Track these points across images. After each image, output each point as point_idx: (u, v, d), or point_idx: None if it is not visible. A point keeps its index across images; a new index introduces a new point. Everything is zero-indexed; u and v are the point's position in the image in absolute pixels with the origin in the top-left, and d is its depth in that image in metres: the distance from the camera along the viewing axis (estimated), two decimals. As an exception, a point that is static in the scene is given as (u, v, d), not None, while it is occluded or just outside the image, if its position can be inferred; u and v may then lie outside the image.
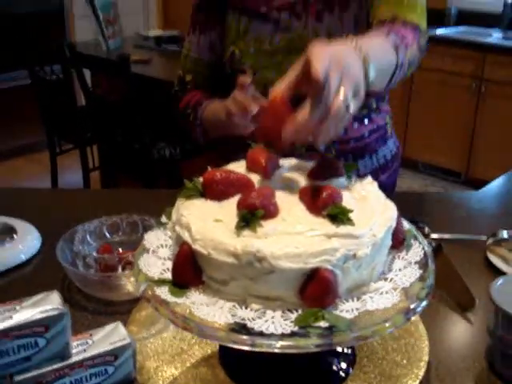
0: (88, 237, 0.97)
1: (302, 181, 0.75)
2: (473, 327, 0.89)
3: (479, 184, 1.94)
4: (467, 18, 4.38)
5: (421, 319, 0.86)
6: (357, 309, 0.63)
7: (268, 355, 0.60)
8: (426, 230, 1.10)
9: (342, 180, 0.75)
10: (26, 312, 0.63)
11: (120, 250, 0.98)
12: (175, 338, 0.82)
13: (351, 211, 0.66)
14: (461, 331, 0.89)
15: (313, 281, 0.62)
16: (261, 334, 0.60)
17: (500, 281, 0.79)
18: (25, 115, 4.25)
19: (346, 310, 0.63)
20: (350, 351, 0.80)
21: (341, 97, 0.68)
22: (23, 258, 1.05)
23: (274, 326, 0.60)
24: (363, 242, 0.64)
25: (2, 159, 4.27)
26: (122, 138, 2.84)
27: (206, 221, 0.67)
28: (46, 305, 0.63)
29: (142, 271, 0.70)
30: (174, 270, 0.67)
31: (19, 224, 1.12)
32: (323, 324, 0.60)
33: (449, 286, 0.95)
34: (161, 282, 0.67)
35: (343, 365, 0.78)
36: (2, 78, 4.24)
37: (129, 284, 0.88)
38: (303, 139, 0.70)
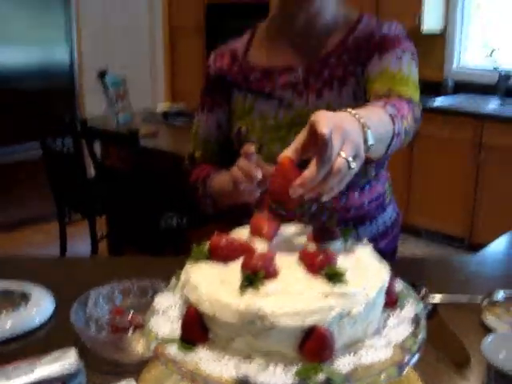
0: (101, 300, 1.02)
1: (301, 244, 0.81)
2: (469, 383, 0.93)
3: (483, 249, 1.98)
4: (464, 87, 4.54)
5: (419, 377, 0.90)
6: (352, 363, 0.68)
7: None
8: (424, 291, 1.14)
9: (338, 243, 0.81)
10: (46, 367, 0.68)
11: (131, 312, 1.03)
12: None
13: (346, 272, 0.72)
14: (457, 388, 0.93)
15: (311, 337, 0.67)
16: (263, 387, 0.65)
17: (490, 338, 0.84)
18: (35, 186, 4.36)
19: (343, 364, 0.68)
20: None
21: (343, 155, 0.76)
22: (37, 321, 1.10)
23: (276, 380, 0.65)
24: (357, 300, 0.70)
25: (10, 229, 4.35)
26: (130, 207, 2.92)
27: (213, 282, 0.72)
28: (63, 360, 0.68)
29: (152, 331, 0.75)
30: (183, 329, 0.72)
31: (33, 289, 1.18)
32: (321, 377, 0.65)
33: (445, 346, 0.99)
34: (170, 340, 0.72)
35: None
36: (15, 149, 4.39)
37: (139, 345, 0.93)
38: (310, 194, 0.78)
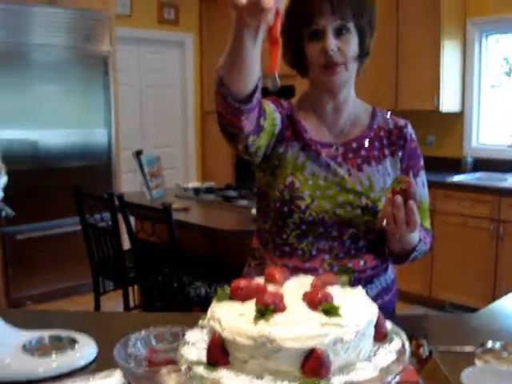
0: (139, 343, 1.19)
1: (305, 288, 0.98)
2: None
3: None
4: (482, 164, 4.72)
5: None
6: (344, 380, 0.84)
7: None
8: (420, 340, 1.28)
9: (336, 288, 0.99)
10: (98, 381, 0.85)
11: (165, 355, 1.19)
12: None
13: (340, 308, 0.88)
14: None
15: (310, 358, 0.83)
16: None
17: (469, 369, 0.98)
18: (71, 259, 4.61)
19: (337, 380, 0.83)
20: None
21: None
22: (82, 362, 1.27)
23: (282, 391, 0.81)
24: (348, 330, 0.86)
25: (46, 300, 4.56)
26: (162, 278, 3.10)
27: (233, 315, 0.90)
28: (113, 376, 0.85)
29: (183, 356, 0.92)
30: (208, 352, 0.89)
31: (79, 336, 1.36)
32: (319, 389, 0.81)
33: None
34: (198, 362, 0.89)
35: None
36: (56, 223, 4.66)
37: (172, 379, 1.09)
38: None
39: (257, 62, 1.21)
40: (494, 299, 4.02)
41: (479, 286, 4.14)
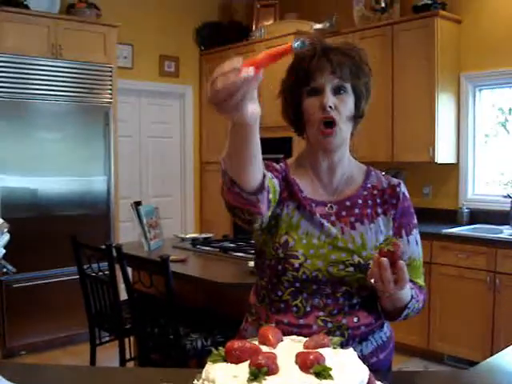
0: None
1: (298, 349, 1.00)
2: None
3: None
4: (478, 216, 4.76)
5: None
6: None
7: None
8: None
9: (328, 349, 1.01)
10: None
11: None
12: None
13: (331, 370, 0.91)
14: None
15: (303, 421, 0.85)
16: None
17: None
18: (68, 308, 4.59)
19: None
20: None
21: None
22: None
23: None
24: (340, 392, 0.88)
25: (41, 350, 4.53)
26: (158, 329, 3.09)
27: (226, 377, 0.92)
28: None
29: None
30: (202, 414, 0.91)
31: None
32: None
33: None
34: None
35: None
36: (53, 273, 4.67)
37: None
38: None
39: (258, 151, 1.26)
40: (491, 351, 4.02)
41: (477, 338, 4.13)
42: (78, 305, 3.89)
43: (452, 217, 4.86)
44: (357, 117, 1.57)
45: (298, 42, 1.08)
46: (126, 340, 3.51)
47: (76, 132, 4.84)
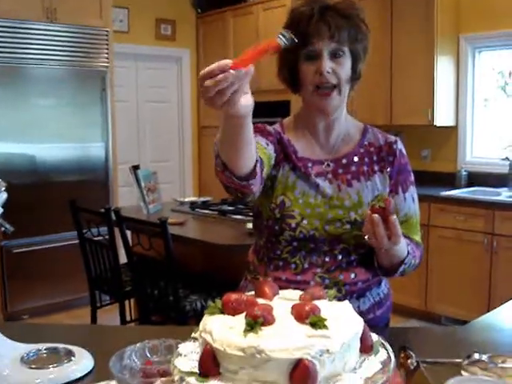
0: (134, 355, 1.22)
1: (294, 301, 1.02)
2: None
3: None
4: (476, 179, 4.77)
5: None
6: (331, 390, 0.87)
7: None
8: (408, 352, 1.31)
9: (324, 301, 1.02)
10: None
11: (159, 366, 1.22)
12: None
13: (326, 320, 0.92)
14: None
15: (298, 368, 0.86)
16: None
17: (452, 381, 1.02)
18: (68, 273, 4.63)
19: (323, 390, 0.87)
20: None
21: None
22: (79, 374, 1.30)
23: (270, 400, 0.85)
24: (334, 341, 0.89)
25: (43, 314, 4.58)
26: (158, 291, 3.13)
27: (223, 328, 0.93)
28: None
29: (176, 367, 0.95)
30: (200, 363, 0.92)
31: (76, 349, 1.39)
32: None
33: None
34: (190, 373, 0.93)
35: None
36: (53, 237, 4.69)
37: (165, 390, 1.12)
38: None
39: (251, 140, 1.25)
40: (488, 312, 4.07)
41: (474, 299, 4.18)
42: (78, 269, 3.93)
43: (450, 179, 4.87)
44: (354, 78, 1.56)
45: (284, 39, 1.09)
46: (127, 302, 3.55)
47: (72, 97, 4.81)
